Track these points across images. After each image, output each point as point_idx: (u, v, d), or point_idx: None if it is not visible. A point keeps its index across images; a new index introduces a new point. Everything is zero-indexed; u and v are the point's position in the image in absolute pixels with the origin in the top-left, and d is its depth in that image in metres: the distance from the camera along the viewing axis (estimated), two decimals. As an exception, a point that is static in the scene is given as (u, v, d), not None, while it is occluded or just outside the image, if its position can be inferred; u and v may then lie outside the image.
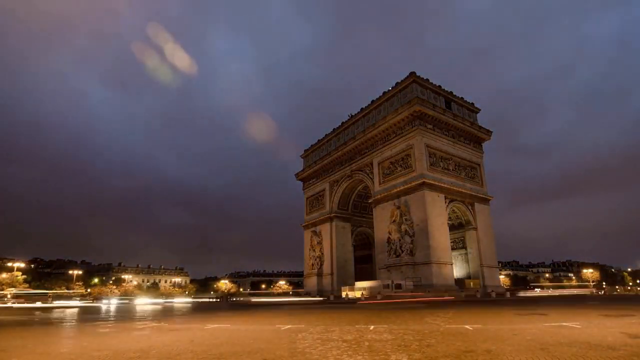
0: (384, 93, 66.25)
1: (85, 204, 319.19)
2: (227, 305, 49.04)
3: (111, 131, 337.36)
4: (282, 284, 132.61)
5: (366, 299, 50.18)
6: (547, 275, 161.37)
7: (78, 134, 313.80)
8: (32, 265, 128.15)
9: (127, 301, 72.13)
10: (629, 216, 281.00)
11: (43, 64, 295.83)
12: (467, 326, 12.88)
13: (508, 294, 61.31)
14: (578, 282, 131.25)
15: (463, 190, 60.15)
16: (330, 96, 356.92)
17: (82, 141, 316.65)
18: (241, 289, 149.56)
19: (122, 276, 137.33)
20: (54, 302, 61.13)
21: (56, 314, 30.46)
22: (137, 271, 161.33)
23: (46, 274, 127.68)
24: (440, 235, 54.62)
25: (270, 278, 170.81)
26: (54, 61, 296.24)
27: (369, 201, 66.97)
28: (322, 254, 77.69)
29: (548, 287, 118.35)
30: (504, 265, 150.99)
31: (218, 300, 78.69)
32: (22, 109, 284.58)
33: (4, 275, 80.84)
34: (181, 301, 72.79)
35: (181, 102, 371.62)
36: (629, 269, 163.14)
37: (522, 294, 70.54)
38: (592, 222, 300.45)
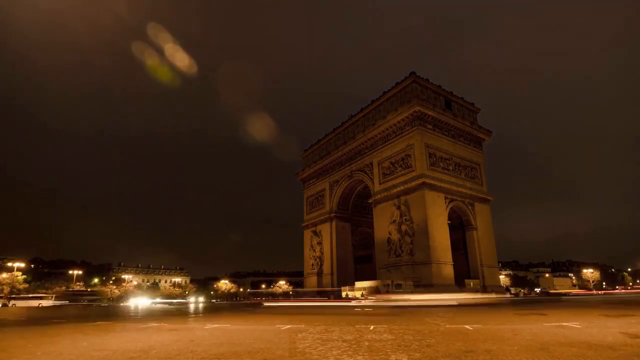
0: (384, 93, 66.17)
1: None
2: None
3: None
4: (282, 283, 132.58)
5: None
6: (547, 275, 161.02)
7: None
8: (32, 265, 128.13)
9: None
10: (629, 216, 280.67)
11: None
12: (467, 326, 12.87)
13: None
14: (578, 282, 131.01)
15: (463, 190, 60.14)
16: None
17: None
18: (241, 289, 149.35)
19: (122, 276, 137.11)
20: None
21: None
22: (137, 271, 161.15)
23: (46, 274, 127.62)
24: (440, 235, 54.62)
25: (271, 278, 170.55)
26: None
27: (369, 201, 66.94)
28: (322, 253, 77.69)
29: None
30: (504, 265, 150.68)
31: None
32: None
33: (4, 275, 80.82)
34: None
35: (180, 104, 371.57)
36: (629, 269, 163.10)
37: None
38: (592, 222, 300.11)
